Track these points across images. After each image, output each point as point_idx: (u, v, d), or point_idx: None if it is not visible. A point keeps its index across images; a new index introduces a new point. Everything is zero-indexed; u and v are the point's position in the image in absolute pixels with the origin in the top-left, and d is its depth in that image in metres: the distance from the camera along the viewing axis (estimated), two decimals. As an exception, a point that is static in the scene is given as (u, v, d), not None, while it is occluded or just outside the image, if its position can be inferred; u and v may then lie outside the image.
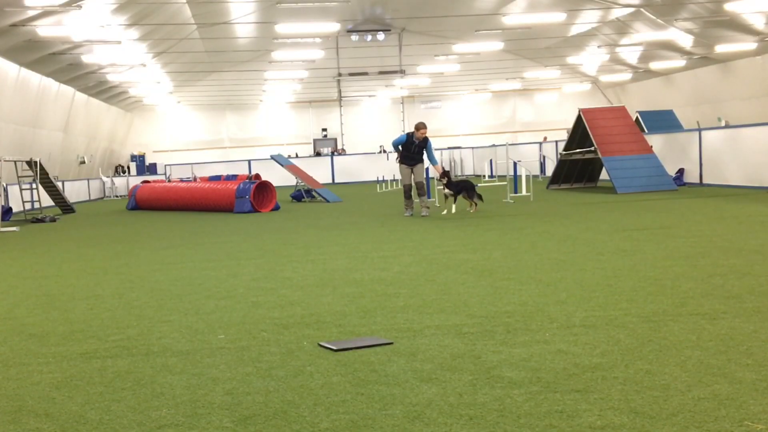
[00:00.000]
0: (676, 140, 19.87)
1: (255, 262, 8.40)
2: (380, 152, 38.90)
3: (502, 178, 24.32)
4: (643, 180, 17.37)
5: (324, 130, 45.84)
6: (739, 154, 17.14)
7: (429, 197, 14.87)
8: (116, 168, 41.09)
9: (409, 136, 13.68)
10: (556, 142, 28.63)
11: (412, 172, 13.75)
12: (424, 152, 13.75)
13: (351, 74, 43.21)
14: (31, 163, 19.66)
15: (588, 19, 31.91)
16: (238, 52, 37.50)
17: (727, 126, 24.04)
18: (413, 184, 13.80)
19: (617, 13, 30.59)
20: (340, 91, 44.60)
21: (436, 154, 24.19)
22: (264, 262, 8.36)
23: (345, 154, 38.80)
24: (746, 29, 29.06)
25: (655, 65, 37.06)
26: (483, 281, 6.38)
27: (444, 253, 8.31)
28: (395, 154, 14.18)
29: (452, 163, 36.60)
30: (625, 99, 42.09)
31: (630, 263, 6.90)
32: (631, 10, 29.75)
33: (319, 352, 4.36)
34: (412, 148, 13.62)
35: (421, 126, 13.60)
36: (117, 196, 31.84)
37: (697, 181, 18.60)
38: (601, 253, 7.66)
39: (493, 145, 31.74)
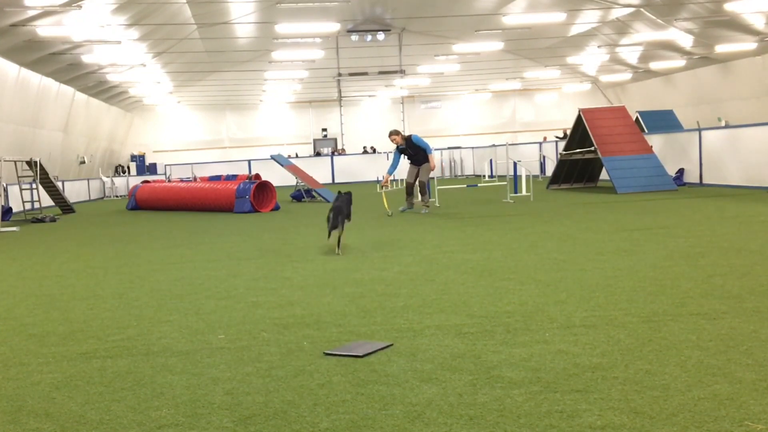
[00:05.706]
0: (676, 140, 19.86)
1: (255, 262, 8.40)
2: (363, 152, 39.09)
3: (502, 178, 24.30)
4: (643, 180, 17.36)
5: (324, 130, 45.82)
6: (739, 154, 17.14)
7: (430, 197, 15.21)
8: (116, 168, 41.07)
9: (398, 149, 14.57)
10: (556, 142, 28.65)
11: (417, 171, 14.64)
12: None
13: (351, 74, 43.19)
14: (31, 163, 19.65)
15: (588, 19, 31.90)
16: (238, 52, 37.49)
17: (727, 126, 24.03)
18: (416, 182, 14.61)
19: (617, 13, 30.58)
20: (340, 91, 44.58)
21: (437, 154, 24.91)
22: (264, 262, 8.36)
23: (345, 154, 38.80)
24: (746, 29, 29.05)
25: (655, 65, 37.05)
26: (483, 281, 6.38)
27: (444, 253, 8.30)
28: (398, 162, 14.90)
29: (452, 163, 36.61)
30: (625, 99, 42.07)
31: (630, 263, 6.90)
32: (631, 10, 29.74)
33: (319, 352, 4.35)
34: (408, 153, 14.59)
35: (392, 133, 14.48)
36: (117, 196, 31.84)
37: (697, 181, 18.59)
38: (601, 253, 7.66)
39: (493, 145, 31.73)
